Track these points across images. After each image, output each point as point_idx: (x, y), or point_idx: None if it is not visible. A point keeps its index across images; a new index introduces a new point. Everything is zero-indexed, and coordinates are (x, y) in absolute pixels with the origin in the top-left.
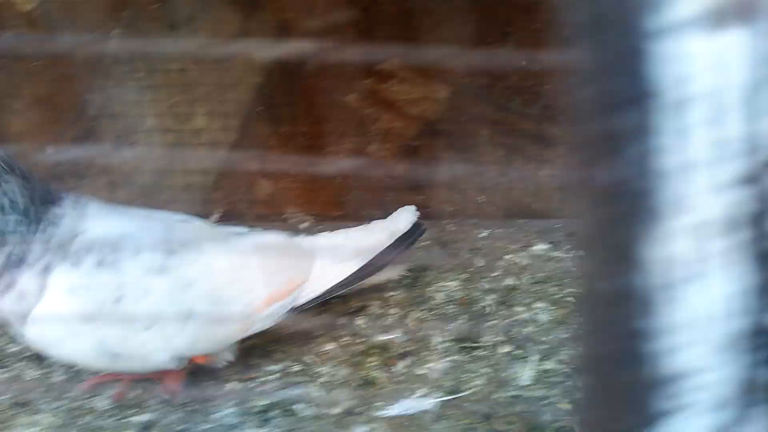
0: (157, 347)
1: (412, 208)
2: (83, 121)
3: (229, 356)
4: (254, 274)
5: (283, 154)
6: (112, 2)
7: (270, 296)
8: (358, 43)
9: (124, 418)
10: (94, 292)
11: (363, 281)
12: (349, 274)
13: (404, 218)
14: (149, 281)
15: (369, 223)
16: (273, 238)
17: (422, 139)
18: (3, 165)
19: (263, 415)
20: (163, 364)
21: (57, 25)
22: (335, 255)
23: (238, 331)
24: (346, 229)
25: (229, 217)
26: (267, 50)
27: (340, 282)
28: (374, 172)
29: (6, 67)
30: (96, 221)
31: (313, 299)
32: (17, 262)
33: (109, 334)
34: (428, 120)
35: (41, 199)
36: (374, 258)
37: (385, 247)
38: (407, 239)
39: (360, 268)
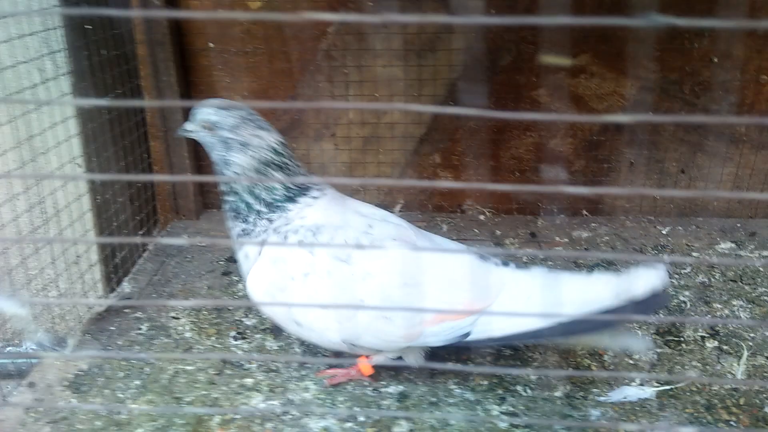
0: (329, 327)
1: (662, 268)
2: (291, 112)
3: (412, 361)
4: (432, 287)
5: (465, 148)
6: (330, 1)
7: (442, 314)
8: (552, 39)
9: (382, 388)
10: (289, 265)
11: (555, 338)
12: (540, 327)
13: (644, 280)
14: (334, 265)
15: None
16: (466, 255)
17: (605, 134)
18: (277, 163)
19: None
20: (335, 344)
21: (281, 24)
22: (530, 298)
23: (403, 337)
24: (557, 271)
25: (409, 208)
26: (464, 43)
27: (526, 332)
28: (553, 167)
29: (228, 62)
30: (316, 211)
31: (491, 339)
32: (248, 234)
33: (294, 303)
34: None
35: (295, 190)
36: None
37: (603, 307)
38: (640, 307)
39: (556, 325)
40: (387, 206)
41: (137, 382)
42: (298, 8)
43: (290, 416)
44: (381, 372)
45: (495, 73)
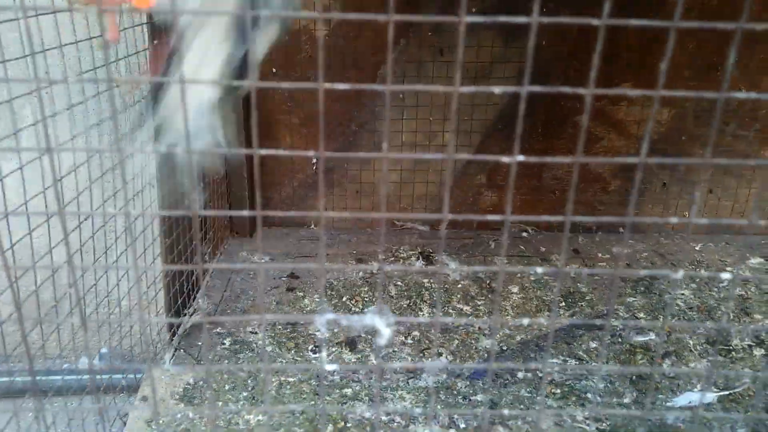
0: None
1: None
2: (346, 135)
3: None
4: None
5: (509, 169)
6: (396, 28)
7: None
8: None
9: (471, 396)
10: None
11: None
12: None
13: None
14: None
15: None
16: None
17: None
18: None
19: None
20: None
21: (343, 50)
22: None
23: None
24: None
25: (454, 225)
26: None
27: None
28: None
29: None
30: None
31: None
32: None
33: None
34: (650, 139)
35: None
36: None
37: None
38: None
39: None
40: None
41: (245, 394)
42: (361, 36)
43: (396, 423)
44: (469, 381)
45: (542, 99)
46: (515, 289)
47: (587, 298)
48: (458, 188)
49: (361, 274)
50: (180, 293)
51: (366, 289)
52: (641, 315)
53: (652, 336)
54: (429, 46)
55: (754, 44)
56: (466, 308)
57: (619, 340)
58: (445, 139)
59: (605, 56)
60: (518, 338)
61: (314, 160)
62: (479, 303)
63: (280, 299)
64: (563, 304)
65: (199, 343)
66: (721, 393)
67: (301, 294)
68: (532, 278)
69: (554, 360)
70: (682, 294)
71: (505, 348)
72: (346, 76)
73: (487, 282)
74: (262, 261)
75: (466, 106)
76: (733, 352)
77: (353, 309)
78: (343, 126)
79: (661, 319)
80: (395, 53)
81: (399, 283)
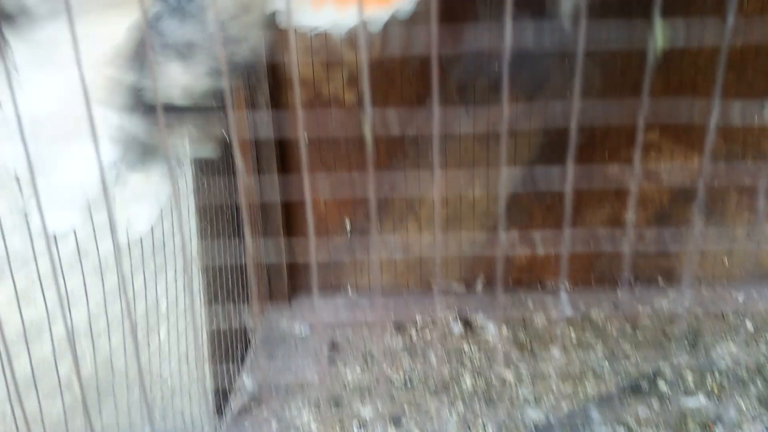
0: None
1: None
2: (380, 196)
3: None
4: None
5: (542, 222)
6: (415, 90)
7: None
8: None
9: None
10: None
11: None
12: None
13: None
14: None
15: None
16: None
17: (675, 205)
18: None
19: None
20: None
21: (372, 117)
22: None
23: None
24: None
25: (489, 284)
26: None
27: None
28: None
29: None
30: None
31: None
32: None
33: None
34: (682, 187)
35: None
36: None
37: None
38: None
39: None
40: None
41: None
42: (388, 103)
43: None
44: None
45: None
46: (557, 353)
47: (631, 359)
48: (492, 245)
49: (401, 341)
50: (225, 366)
51: (407, 356)
52: (689, 375)
53: (702, 399)
54: (455, 104)
55: None
56: (508, 373)
57: (668, 402)
58: (475, 195)
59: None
60: (564, 408)
61: (348, 225)
62: (521, 367)
63: (322, 374)
64: (606, 366)
65: (247, 425)
66: None
67: (343, 368)
68: (573, 338)
69: (603, 429)
70: (728, 350)
71: (551, 419)
72: (374, 137)
73: (529, 344)
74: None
75: (492, 161)
76: None
77: (394, 379)
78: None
79: (709, 379)
80: (422, 115)
81: (439, 349)
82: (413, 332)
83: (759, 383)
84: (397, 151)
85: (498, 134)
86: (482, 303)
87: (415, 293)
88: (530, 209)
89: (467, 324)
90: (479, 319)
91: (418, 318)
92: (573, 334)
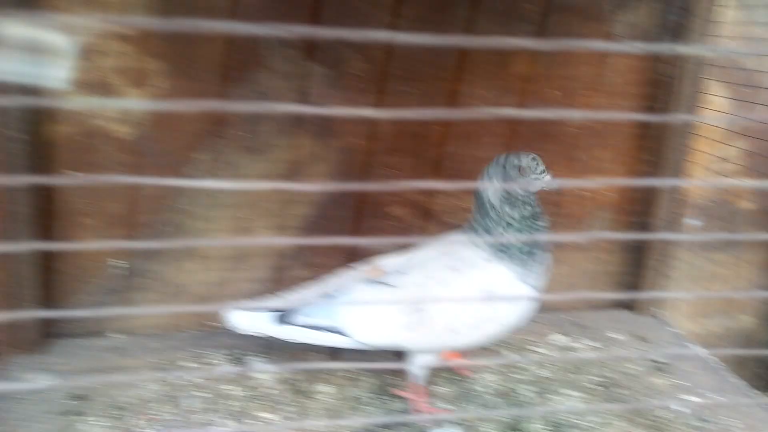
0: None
1: None
2: (153, 236)
3: None
4: None
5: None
6: (199, 130)
7: None
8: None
9: None
10: None
11: None
12: None
13: None
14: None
15: None
16: None
17: None
18: None
19: None
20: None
21: (147, 151)
22: None
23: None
24: None
25: None
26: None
27: None
28: None
29: (86, 187)
30: None
31: None
32: None
33: None
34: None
35: None
36: None
37: None
38: None
39: None
40: None
41: None
42: (165, 139)
43: None
44: None
45: (361, 196)
46: (326, 388)
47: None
48: (278, 284)
49: (158, 387)
50: None
51: (168, 405)
52: (446, 406)
53: (452, 428)
54: (238, 146)
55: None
56: (271, 417)
57: None
58: (260, 234)
59: (413, 151)
60: None
61: (120, 265)
62: (287, 409)
63: (63, 428)
64: (380, 397)
65: None
66: None
67: (91, 419)
68: (345, 374)
69: None
70: (483, 378)
71: None
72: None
73: (299, 385)
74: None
75: (278, 202)
76: None
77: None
78: (149, 229)
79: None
80: (206, 153)
81: (205, 394)
82: (176, 378)
83: (506, 408)
84: (169, 188)
85: (288, 175)
86: (260, 344)
87: (189, 336)
88: (319, 247)
89: (239, 366)
90: (254, 360)
91: (186, 362)
92: (345, 371)
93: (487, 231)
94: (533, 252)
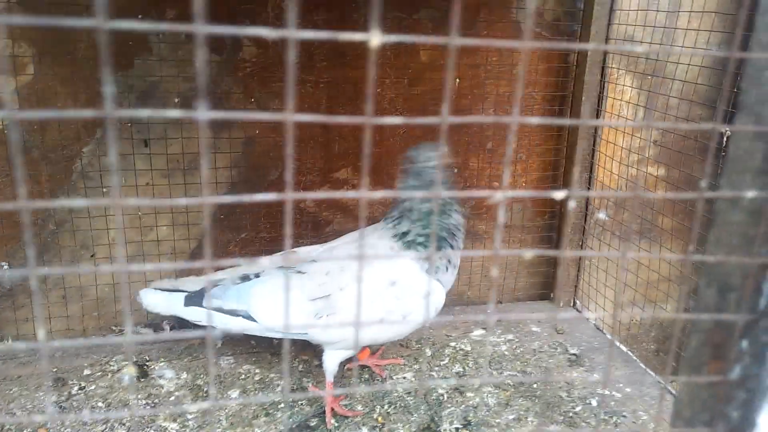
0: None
1: None
2: (43, 234)
3: None
4: None
5: (239, 257)
6: (89, 123)
7: None
8: (317, 153)
9: None
10: None
11: None
12: None
13: None
14: None
15: None
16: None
17: None
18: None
19: None
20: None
21: (28, 144)
22: None
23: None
24: None
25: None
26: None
27: None
28: None
29: None
30: None
31: None
32: None
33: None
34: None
35: None
36: None
37: None
38: None
39: None
40: (154, 327)
41: None
42: (48, 130)
43: None
44: None
45: (264, 188)
46: (235, 394)
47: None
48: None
49: (56, 398)
50: None
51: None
52: (357, 406)
53: (365, 431)
54: (129, 137)
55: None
56: (172, 426)
57: None
58: (161, 232)
59: (324, 143)
60: None
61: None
62: (190, 417)
63: None
64: (289, 402)
65: None
66: None
67: None
68: (257, 378)
69: None
70: (404, 377)
71: None
72: (32, 174)
73: (205, 390)
74: None
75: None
76: None
77: None
78: (38, 226)
79: (377, 409)
80: (92, 145)
81: (100, 404)
82: (75, 387)
83: (422, 409)
84: (63, 183)
85: (180, 169)
86: (166, 348)
87: (92, 342)
88: (225, 245)
89: (142, 371)
90: (158, 366)
91: (87, 370)
92: (257, 374)
93: (399, 224)
94: (440, 245)
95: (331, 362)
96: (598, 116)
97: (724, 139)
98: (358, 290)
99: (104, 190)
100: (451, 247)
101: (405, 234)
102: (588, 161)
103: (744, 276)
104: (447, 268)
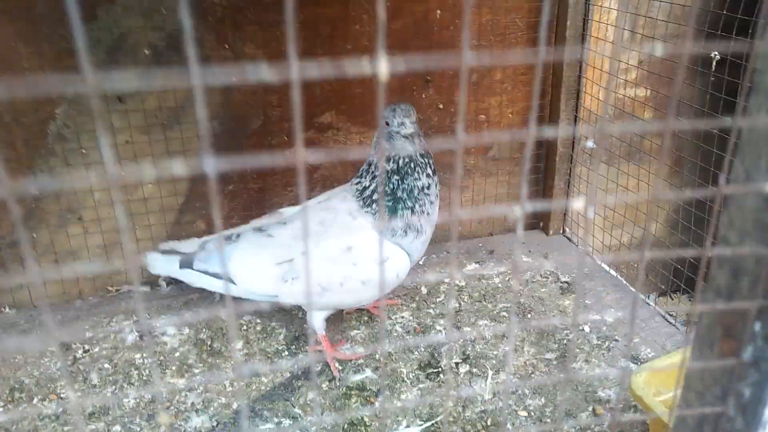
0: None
1: None
2: (26, 201)
3: None
4: None
5: (230, 210)
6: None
7: None
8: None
9: None
10: None
11: None
12: None
13: None
14: None
15: None
16: None
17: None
18: None
19: None
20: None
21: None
22: None
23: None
24: None
25: (176, 283)
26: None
27: None
28: None
29: None
30: None
31: None
32: None
33: None
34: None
35: None
36: None
37: None
38: None
39: None
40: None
41: None
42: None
43: None
44: None
45: (246, 138)
46: (239, 345)
47: (310, 342)
48: (178, 239)
49: (58, 364)
50: None
51: (65, 382)
52: (361, 349)
53: (368, 373)
54: (104, 96)
55: None
56: (181, 382)
57: (337, 383)
58: (148, 190)
59: (305, 86)
60: (234, 406)
61: None
62: (197, 372)
63: None
64: (291, 348)
65: None
66: (425, 425)
67: None
68: (258, 328)
69: (267, 425)
70: (402, 317)
71: (217, 423)
72: (6, 139)
73: (209, 343)
74: None
75: (161, 155)
76: (442, 374)
77: (45, 412)
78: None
79: (379, 351)
80: (64, 106)
81: (107, 365)
82: (80, 351)
83: (421, 347)
84: (39, 146)
85: (165, 124)
86: (165, 305)
87: (89, 304)
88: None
89: (144, 331)
90: (159, 323)
91: (88, 333)
92: (258, 324)
93: (360, 182)
94: (396, 206)
95: (314, 321)
96: (583, 41)
97: (713, 63)
98: (308, 259)
99: (83, 151)
100: (412, 210)
101: (364, 190)
102: (574, 88)
103: (757, 260)
104: (407, 232)
